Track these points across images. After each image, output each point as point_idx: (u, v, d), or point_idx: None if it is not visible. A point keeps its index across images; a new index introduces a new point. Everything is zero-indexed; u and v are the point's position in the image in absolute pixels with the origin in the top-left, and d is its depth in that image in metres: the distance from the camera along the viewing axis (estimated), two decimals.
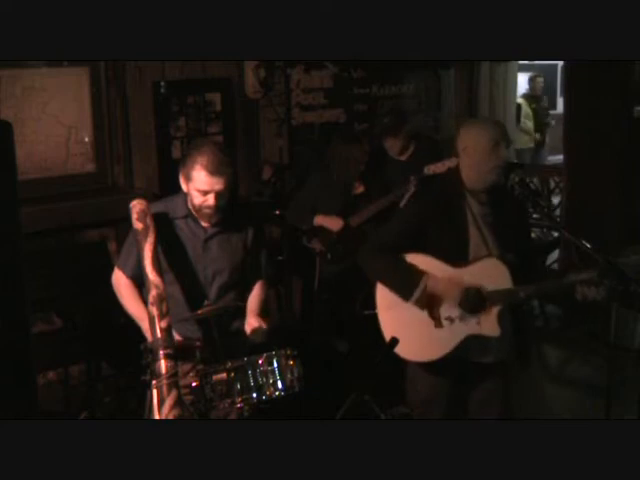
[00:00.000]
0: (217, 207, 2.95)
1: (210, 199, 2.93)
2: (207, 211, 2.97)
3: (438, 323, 2.94)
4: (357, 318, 4.05)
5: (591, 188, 5.79)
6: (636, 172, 5.69)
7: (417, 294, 2.90)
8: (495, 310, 2.89)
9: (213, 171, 2.90)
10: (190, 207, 3.03)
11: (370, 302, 3.12)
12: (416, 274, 2.91)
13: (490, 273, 2.88)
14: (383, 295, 3.04)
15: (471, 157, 2.92)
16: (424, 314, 2.96)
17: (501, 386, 3.11)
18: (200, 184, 2.91)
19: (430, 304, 2.94)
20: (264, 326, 3.02)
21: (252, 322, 3.05)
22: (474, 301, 2.89)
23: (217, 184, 2.91)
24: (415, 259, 2.95)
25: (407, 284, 2.93)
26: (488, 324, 2.89)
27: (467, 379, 3.10)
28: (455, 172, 3.00)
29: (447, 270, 2.91)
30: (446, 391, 3.08)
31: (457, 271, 2.91)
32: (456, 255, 2.92)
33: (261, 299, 3.18)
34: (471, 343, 2.94)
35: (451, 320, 2.93)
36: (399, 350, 2.96)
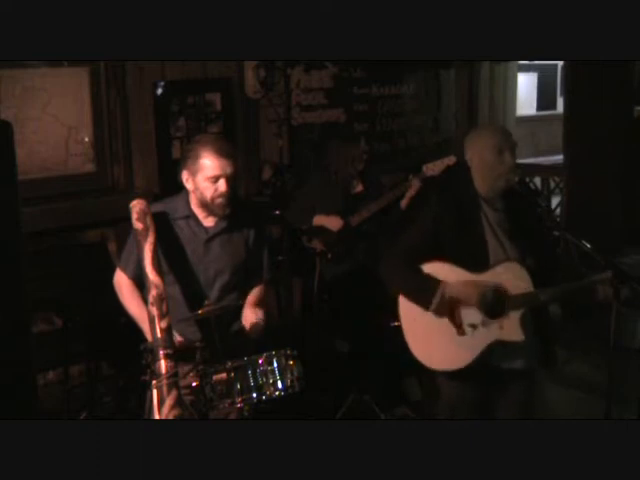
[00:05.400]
0: (229, 195, 2.94)
1: (222, 185, 2.91)
2: (220, 200, 2.94)
3: (461, 330, 2.92)
4: (385, 330, 4.03)
5: (591, 188, 5.79)
6: (636, 172, 5.69)
7: (436, 301, 2.89)
8: (517, 314, 2.86)
9: (222, 154, 2.90)
10: (194, 207, 3.03)
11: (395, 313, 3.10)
12: (432, 282, 2.90)
13: (511, 277, 2.86)
14: (406, 306, 3.03)
15: (478, 167, 2.94)
16: (447, 323, 2.93)
17: (529, 393, 3.07)
18: (210, 170, 2.90)
19: (451, 311, 2.93)
20: (260, 317, 3.00)
21: (247, 314, 3.03)
22: (493, 301, 2.87)
23: (227, 167, 2.91)
24: (435, 267, 2.94)
25: (425, 293, 2.91)
26: (511, 329, 2.86)
27: (494, 386, 3.05)
28: (469, 181, 2.99)
29: (468, 277, 2.90)
30: (471, 398, 3.04)
31: (478, 277, 2.89)
32: (475, 263, 2.91)
33: (260, 294, 3.17)
34: (497, 349, 2.91)
35: (474, 327, 2.91)
36: (425, 360, 2.96)
